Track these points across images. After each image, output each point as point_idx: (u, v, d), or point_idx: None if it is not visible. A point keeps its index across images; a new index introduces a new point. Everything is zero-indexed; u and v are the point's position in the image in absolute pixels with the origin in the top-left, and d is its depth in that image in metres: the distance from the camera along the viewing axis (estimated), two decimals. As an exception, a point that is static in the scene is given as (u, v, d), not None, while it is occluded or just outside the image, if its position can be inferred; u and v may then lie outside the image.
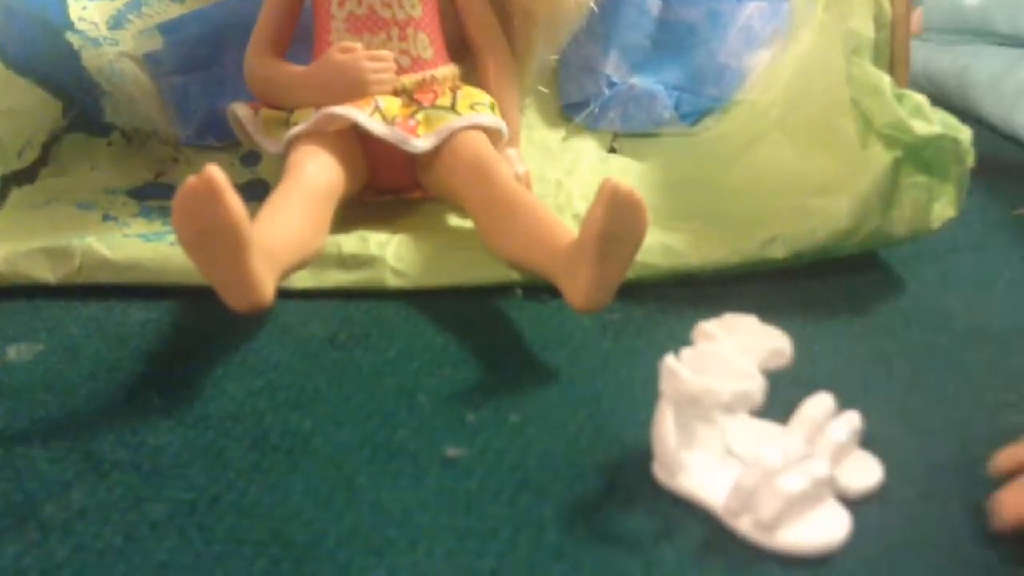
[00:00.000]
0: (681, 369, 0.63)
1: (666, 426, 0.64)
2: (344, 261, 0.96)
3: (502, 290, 0.93)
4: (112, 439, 0.73)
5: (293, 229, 0.86)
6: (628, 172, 1.20)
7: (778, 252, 0.94)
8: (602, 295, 0.78)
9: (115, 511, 0.65)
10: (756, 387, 0.63)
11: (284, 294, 0.95)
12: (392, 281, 0.95)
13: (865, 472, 0.66)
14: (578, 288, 0.78)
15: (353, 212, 1.06)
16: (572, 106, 1.32)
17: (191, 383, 0.80)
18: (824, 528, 0.60)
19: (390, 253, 0.97)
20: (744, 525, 0.60)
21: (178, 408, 0.77)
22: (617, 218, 0.75)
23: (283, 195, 0.89)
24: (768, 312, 0.91)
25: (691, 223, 1.01)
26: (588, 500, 0.65)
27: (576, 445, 0.70)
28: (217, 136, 1.19)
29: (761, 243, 0.95)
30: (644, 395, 0.76)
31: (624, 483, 0.66)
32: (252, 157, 1.21)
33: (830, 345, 0.85)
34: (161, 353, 0.86)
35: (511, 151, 1.09)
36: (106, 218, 1.08)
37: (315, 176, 0.93)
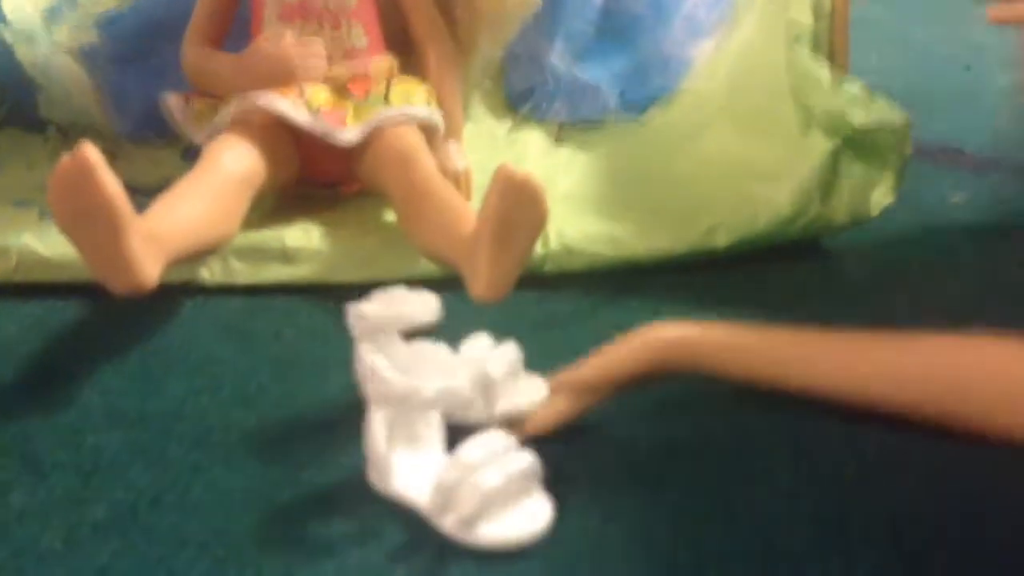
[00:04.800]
0: (386, 371, 0.63)
1: (375, 429, 0.63)
2: (288, 255, 0.96)
3: (448, 283, 0.92)
4: (52, 440, 0.71)
5: (191, 215, 0.85)
6: (575, 162, 1.20)
7: (721, 240, 0.95)
8: (501, 284, 0.77)
9: (55, 513, 0.64)
10: (461, 384, 0.64)
11: (227, 290, 0.95)
12: (336, 275, 0.94)
13: (532, 392, 0.69)
14: (477, 277, 0.77)
15: (295, 205, 1.05)
16: (518, 95, 1.31)
17: (132, 382, 0.79)
18: (524, 521, 0.60)
19: (333, 247, 0.96)
20: (447, 523, 0.60)
21: (119, 407, 0.76)
22: (513, 205, 0.74)
23: (189, 182, 0.89)
24: (712, 299, 0.92)
25: (636, 212, 1.01)
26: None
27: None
28: (155, 128, 1.17)
29: (705, 231, 0.96)
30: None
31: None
32: (193, 151, 1.19)
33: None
34: (101, 352, 0.84)
35: (452, 144, 1.09)
36: (43, 216, 1.06)
37: (230, 165, 0.93)
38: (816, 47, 1.03)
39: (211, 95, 1.05)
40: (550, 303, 0.91)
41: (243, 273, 0.95)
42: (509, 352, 0.68)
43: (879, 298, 0.91)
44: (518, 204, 0.74)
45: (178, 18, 1.11)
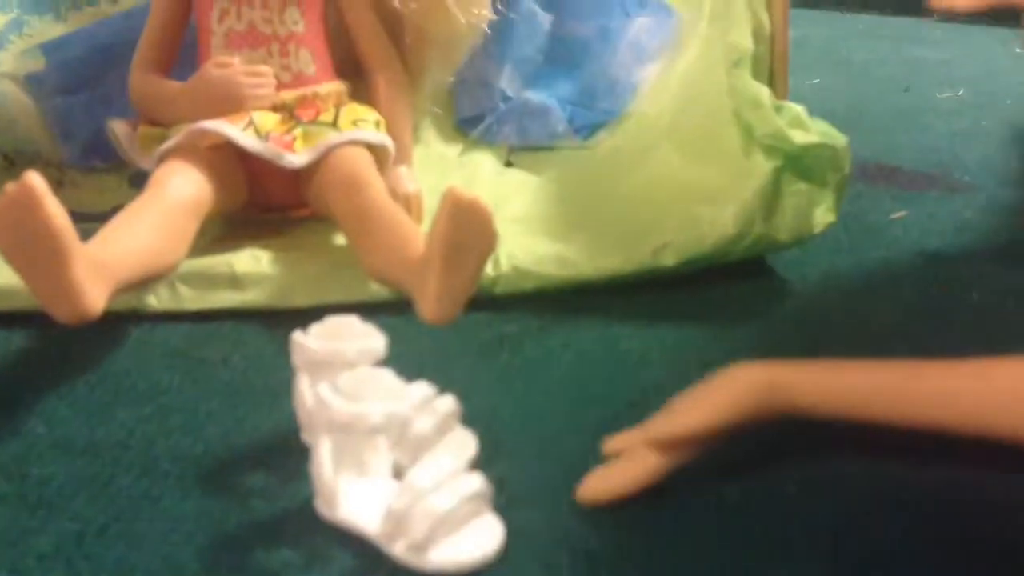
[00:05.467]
0: (330, 398, 0.63)
1: (321, 457, 0.63)
2: (237, 280, 0.95)
3: (398, 305, 0.92)
4: (-4, 471, 0.70)
5: (138, 242, 0.85)
6: (525, 185, 1.21)
7: (669, 259, 0.97)
8: (451, 306, 0.78)
9: (0, 545, 0.63)
10: (407, 407, 0.63)
11: (175, 317, 0.94)
12: (285, 300, 0.94)
13: (461, 448, 0.67)
14: (427, 299, 0.78)
15: (243, 230, 1.05)
16: (468, 120, 1.33)
17: (78, 411, 0.78)
18: (475, 544, 0.60)
19: (282, 272, 0.96)
20: (398, 548, 0.60)
21: (65, 437, 0.75)
22: (461, 227, 0.75)
23: (135, 209, 0.89)
24: (661, 318, 0.94)
25: (586, 233, 1.03)
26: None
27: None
28: (102, 156, 1.17)
29: (652, 251, 0.97)
30: (542, 407, 0.77)
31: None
32: (140, 178, 1.18)
33: (723, 347, 0.87)
34: (47, 381, 0.83)
35: (402, 169, 1.09)
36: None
37: (177, 191, 0.92)
38: (756, 71, 1.06)
39: (158, 122, 1.05)
40: (500, 324, 0.92)
41: (191, 299, 0.95)
42: (443, 406, 0.67)
43: (822, 313, 0.94)
44: (467, 226, 0.75)
45: (125, 45, 1.11)
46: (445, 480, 0.60)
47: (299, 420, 0.71)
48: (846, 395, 0.66)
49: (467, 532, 0.60)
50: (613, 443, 0.66)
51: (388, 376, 0.66)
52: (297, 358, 0.69)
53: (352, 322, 0.71)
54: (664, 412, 0.66)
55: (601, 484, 0.64)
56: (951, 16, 0.76)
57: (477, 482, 0.61)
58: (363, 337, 0.70)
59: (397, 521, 0.59)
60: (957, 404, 0.64)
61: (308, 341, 0.69)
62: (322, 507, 0.63)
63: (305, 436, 0.71)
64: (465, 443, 0.68)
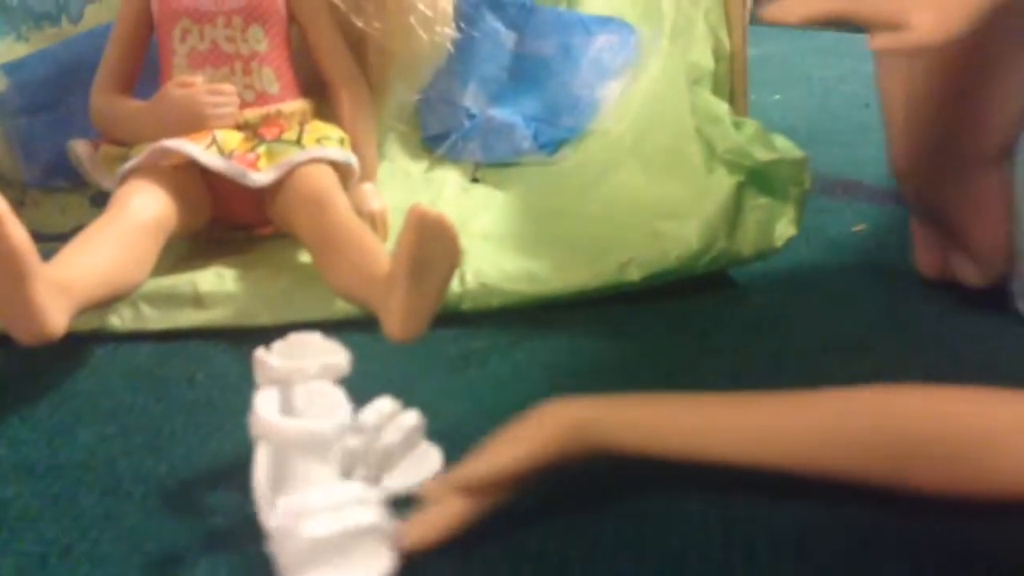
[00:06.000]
0: (272, 415, 0.62)
1: (260, 468, 0.62)
2: (200, 300, 0.95)
3: (364, 323, 0.93)
4: (-45, 494, 0.69)
5: (100, 262, 0.84)
6: (491, 201, 1.21)
7: (634, 274, 0.98)
8: (416, 323, 0.78)
9: (-41, 569, 0.62)
10: (340, 424, 0.63)
11: (138, 337, 0.94)
12: (250, 319, 0.94)
13: (426, 464, 0.67)
14: (392, 316, 0.78)
15: (208, 249, 1.05)
16: (433, 138, 1.33)
17: (40, 432, 0.78)
18: (358, 573, 0.58)
19: (247, 290, 0.96)
20: (280, 565, 0.59)
21: (27, 458, 0.74)
22: (426, 244, 0.75)
23: (97, 228, 0.88)
24: (626, 332, 0.95)
25: (552, 249, 1.03)
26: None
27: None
28: (65, 177, 1.16)
29: (618, 266, 0.98)
30: (510, 422, 0.77)
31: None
32: (102, 197, 1.18)
33: (687, 359, 0.88)
34: (8, 403, 0.82)
35: (367, 185, 1.10)
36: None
37: (139, 210, 0.92)
38: (717, 88, 1.08)
39: (121, 142, 1.04)
40: (467, 340, 0.92)
41: (154, 319, 0.94)
42: (408, 420, 0.66)
43: (785, 325, 0.95)
44: (432, 243, 0.75)
45: (87, 65, 1.10)
46: (338, 506, 0.59)
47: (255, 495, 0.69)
48: (658, 432, 0.64)
49: (349, 562, 0.59)
50: (430, 487, 0.63)
51: (338, 392, 0.65)
52: (260, 376, 0.69)
53: (315, 339, 0.71)
54: (475, 453, 0.64)
55: (414, 532, 0.61)
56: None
57: (370, 515, 0.59)
58: (326, 353, 0.70)
59: (279, 539, 0.58)
60: (778, 440, 0.62)
61: (270, 359, 0.68)
62: (262, 515, 0.62)
63: (261, 515, 0.68)
64: (430, 457, 0.68)
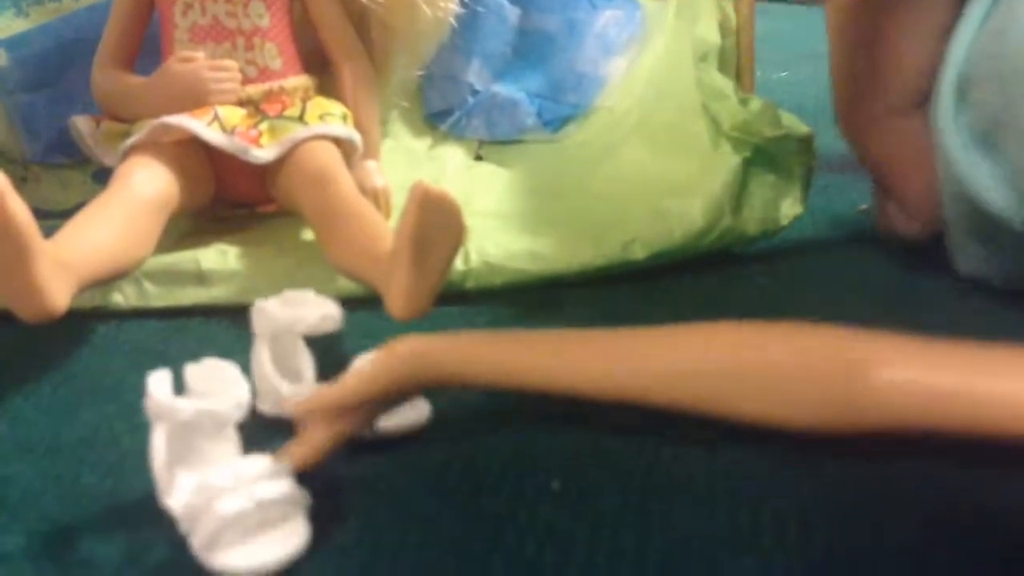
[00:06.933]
0: (164, 395, 0.62)
1: (156, 449, 0.62)
2: (203, 277, 0.95)
3: (367, 300, 0.92)
4: (-42, 472, 0.69)
5: (103, 239, 0.84)
6: (495, 179, 1.21)
7: (639, 253, 0.97)
8: (419, 301, 0.78)
9: (-38, 547, 0.62)
10: (236, 400, 0.63)
11: (141, 314, 0.93)
12: (253, 295, 0.93)
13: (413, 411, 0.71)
14: (394, 294, 0.78)
15: (210, 226, 1.04)
16: (437, 114, 1.33)
17: (43, 411, 0.77)
18: (270, 552, 0.58)
19: (250, 268, 0.96)
20: (194, 546, 0.59)
21: (29, 437, 0.74)
22: (429, 222, 0.75)
23: (99, 205, 0.88)
24: (633, 311, 0.94)
25: (556, 228, 1.03)
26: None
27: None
28: (66, 153, 1.15)
29: (622, 245, 0.97)
30: (510, 404, 0.77)
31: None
32: (104, 173, 1.17)
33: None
34: (10, 381, 0.82)
35: (370, 163, 1.09)
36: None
37: (142, 186, 0.92)
38: (723, 64, 1.07)
39: (122, 118, 1.04)
40: (471, 318, 0.92)
41: (157, 296, 0.94)
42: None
43: (789, 304, 0.94)
44: (435, 220, 0.75)
45: (88, 41, 1.10)
46: (246, 481, 0.59)
47: (255, 389, 0.73)
48: (503, 367, 0.66)
49: (262, 539, 0.59)
50: (295, 411, 0.66)
51: (231, 368, 0.65)
52: (258, 325, 0.72)
53: (309, 295, 0.76)
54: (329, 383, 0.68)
55: (295, 457, 0.64)
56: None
57: (281, 488, 0.60)
58: (321, 307, 0.74)
59: (191, 518, 0.58)
60: (626, 374, 0.65)
61: (270, 307, 0.72)
62: (161, 497, 0.62)
63: (260, 406, 0.74)
64: (418, 407, 0.72)
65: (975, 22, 0.84)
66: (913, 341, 0.62)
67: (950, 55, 0.86)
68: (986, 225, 0.85)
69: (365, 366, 0.67)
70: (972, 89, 0.84)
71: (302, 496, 0.61)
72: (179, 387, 0.64)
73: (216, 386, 0.64)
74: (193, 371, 0.66)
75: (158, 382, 0.63)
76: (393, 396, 0.68)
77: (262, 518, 0.59)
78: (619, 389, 0.65)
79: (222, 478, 0.59)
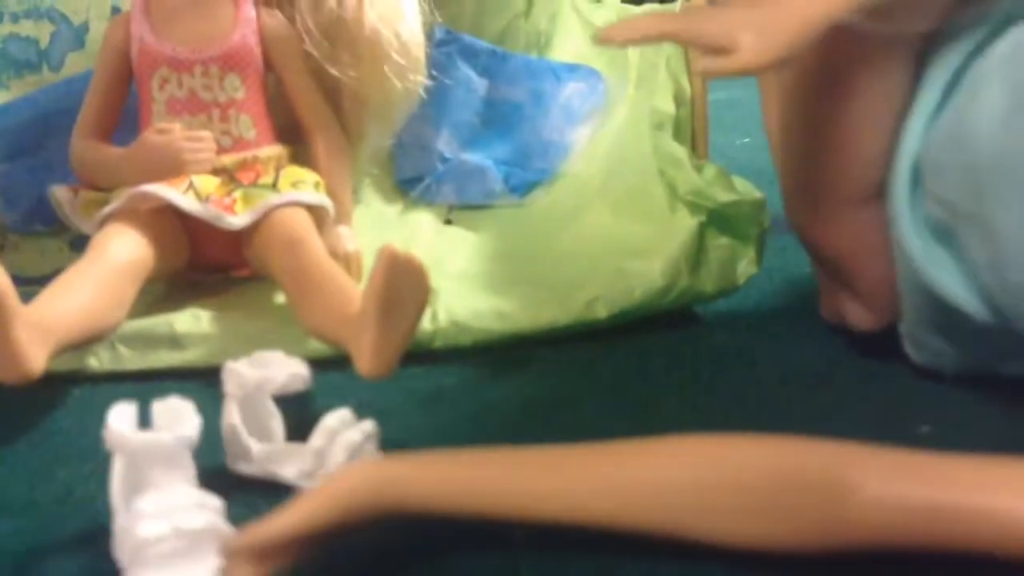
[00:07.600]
0: (122, 428, 0.65)
1: (116, 478, 0.65)
2: (177, 340, 0.97)
3: (335, 361, 0.95)
4: (-67, 532, 0.71)
5: (79, 303, 0.87)
6: (464, 242, 1.24)
7: (601, 311, 1.01)
8: (386, 359, 0.81)
9: (-64, 606, 0.63)
10: (185, 436, 0.65)
11: (116, 377, 0.95)
12: (226, 358, 0.95)
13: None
14: (363, 353, 0.81)
15: (185, 291, 1.07)
16: (407, 181, 1.36)
17: (18, 471, 0.79)
18: (186, 572, 0.60)
19: (223, 331, 0.98)
20: (120, 565, 0.61)
21: (6, 495, 0.76)
22: (396, 284, 0.78)
23: (76, 271, 0.91)
24: (596, 368, 0.97)
25: (522, 288, 1.06)
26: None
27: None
28: (45, 222, 1.18)
29: (585, 304, 1.01)
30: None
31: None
32: (81, 241, 1.19)
33: (653, 394, 0.91)
34: (-14, 442, 0.84)
35: (343, 228, 1.12)
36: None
37: (118, 253, 0.95)
38: (679, 132, 1.11)
39: (100, 188, 1.07)
40: (438, 377, 0.95)
41: (132, 359, 0.96)
42: (366, 426, 0.73)
43: (747, 359, 0.97)
44: (401, 282, 0.78)
45: (66, 112, 1.13)
46: (169, 510, 0.61)
47: (225, 448, 0.76)
48: (459, 494, 0.62)
49: (183, 564, 0.61)
50: (228, 550, 0.61)
51: (187, 406, 0.68)
52: (228, 385, 0.75)
53: (278, 356, 0.80)
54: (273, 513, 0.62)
55: None
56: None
57: (204, 519, 0.62)
58: (289, 367, 0.78)
59: (119, 540, 0.62)
60: (588, 494, 0.61)
61: (240, 367, 0.76)
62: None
63: (230, 464, 0.77)
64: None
65: (928, 108, 0.81)
66: (891, 453, 0.58)
67: (903, 143, 0.82)
68: (947, 316, 0.81)
69: (306, 500, 0.61)
70: (930, 178, 0.80)
71: (226, 531, 0.62)
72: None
73: (175, 421, 0.67)
74: (159, 408, 0.68)
75: (119, 415, 0.66)
76: (337, 530, 0.61)
77: (181, 546, 0.61)
78: (589, 516, 0.61)
79: (150, 504, 0.62)
